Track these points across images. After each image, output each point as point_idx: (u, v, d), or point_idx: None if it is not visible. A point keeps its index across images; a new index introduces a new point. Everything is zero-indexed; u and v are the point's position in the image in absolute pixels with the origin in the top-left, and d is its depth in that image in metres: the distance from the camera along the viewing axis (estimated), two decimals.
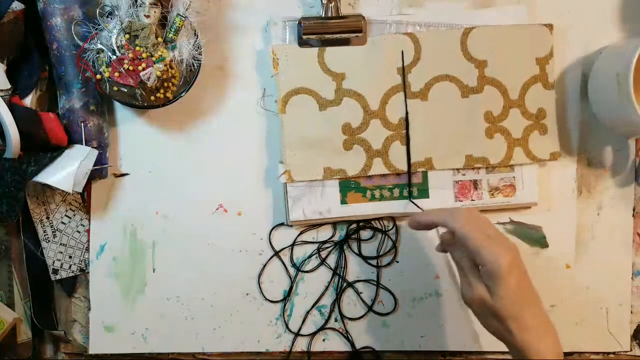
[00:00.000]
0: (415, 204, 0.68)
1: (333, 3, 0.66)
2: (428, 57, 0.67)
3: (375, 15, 0.68)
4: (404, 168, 0.68)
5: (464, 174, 0.69)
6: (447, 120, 0.68)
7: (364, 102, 0.67)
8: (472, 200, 0.69)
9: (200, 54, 0.64)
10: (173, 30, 0.62)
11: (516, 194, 0.69)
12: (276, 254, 0.70)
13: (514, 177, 0.69)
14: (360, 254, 0.71)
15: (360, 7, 0.69)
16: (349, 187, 0.68)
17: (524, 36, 0.68)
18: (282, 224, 0.70)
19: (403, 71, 0.67)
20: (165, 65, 0.62)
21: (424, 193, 0.69)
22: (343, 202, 0.68)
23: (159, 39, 0.62)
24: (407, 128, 0.68)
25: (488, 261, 0.53)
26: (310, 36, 0.66)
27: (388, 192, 0.69)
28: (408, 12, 0.69)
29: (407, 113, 0.68)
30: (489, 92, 0.68)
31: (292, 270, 0.70)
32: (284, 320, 0.70)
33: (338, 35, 0.66)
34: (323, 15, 0.66)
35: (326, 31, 0.66)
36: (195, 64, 0.64)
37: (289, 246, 0.70)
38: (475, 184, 0.69)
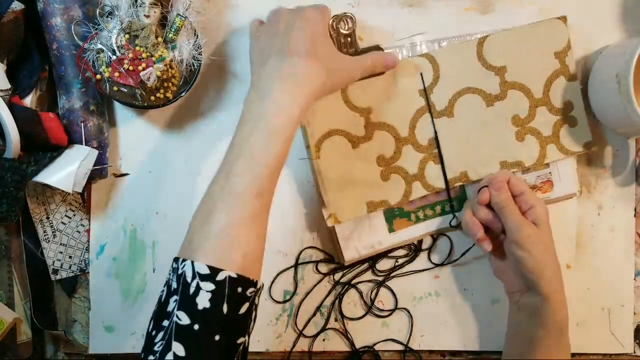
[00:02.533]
0: (456, 216, 0.69)
1: (350, 38, 0.66)
2: (447, 74, 0.67)
3: (387, 39, 0.69)
4: (442, 186, 0.68)
5: None
6: (476, 132, 0.68)
7: (394, 131, 0.67)
8: None
9: (200, 53, 0.64)
10: (173, 30, 0.62)
11: (554, 189, 0.70)
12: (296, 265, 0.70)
13: (550, 172, 0.70)
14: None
15: (359, 5, 0.69)
16: (393, 214, 0.69)
17: (538, 34, 0.68)
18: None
19: (425, 92, 0.67)
20: (165, 65, 0.62)
21: (464, 204, 0.69)
22: (390, 230, 0.69)
23: (159, 39, 0.62)
24: (438, 147, 0.68)
25: (538, 207, 0.64)
26: None
27: (430, 211, 0.69)
28: (409, 11, 0.69)
29: (435, 133, 0.68)
30: (513, 96, 0.68)
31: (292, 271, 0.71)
32: (294, 321, 0.70)
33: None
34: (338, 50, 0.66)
35: None
36: (195, 64, 0.64)
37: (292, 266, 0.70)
38: None
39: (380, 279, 0.71)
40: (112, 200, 0.69)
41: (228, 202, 0.51)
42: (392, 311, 0.71)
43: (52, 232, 0.68)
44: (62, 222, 0.69)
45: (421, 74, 0.67)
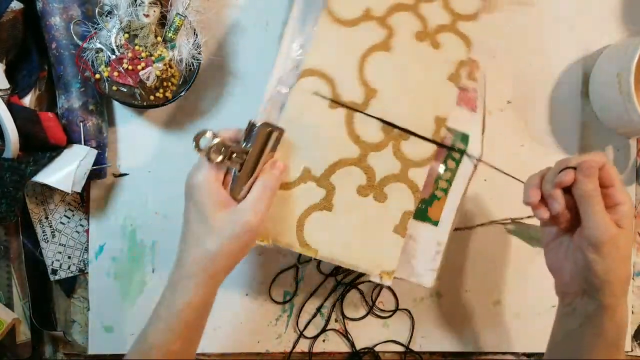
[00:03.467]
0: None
1: (235, 156, 0.54)
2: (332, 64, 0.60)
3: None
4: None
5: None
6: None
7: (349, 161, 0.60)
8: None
9: (199, 53, 0.64)
10: (172, 29, 0.62)
11: None
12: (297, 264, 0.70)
13: None
14: None
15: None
16: (421, 210, 0.61)
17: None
18: None
19: (335, 102, 0.59)
20: (165, 64, 0.62)
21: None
22: (435, 223, 0.62)
23: (159, 39, 0.62)
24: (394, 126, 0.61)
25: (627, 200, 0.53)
26: None
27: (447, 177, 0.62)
28: None
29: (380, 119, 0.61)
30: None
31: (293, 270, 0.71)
32: (295, 321, 0.70)
33: None
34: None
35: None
36: (194, 64, 0.64)
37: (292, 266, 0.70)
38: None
39: None
40: (111, 200, 0.69)
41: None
42: (393, 312, 0.71)
43: (51, 232, 0.68)
44: (61, 222, 0.68)
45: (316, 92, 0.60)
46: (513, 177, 0.63)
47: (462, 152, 0.61)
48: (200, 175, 0.53)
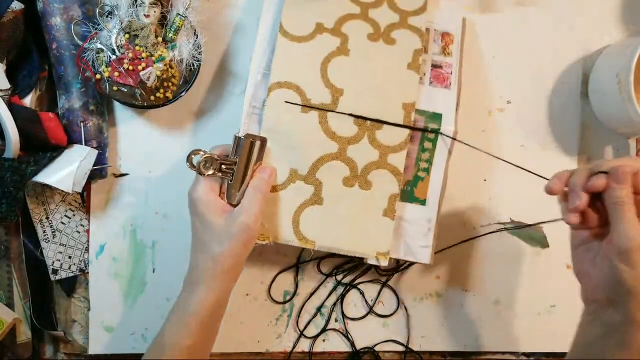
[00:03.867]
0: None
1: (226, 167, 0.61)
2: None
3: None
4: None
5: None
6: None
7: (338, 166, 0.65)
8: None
9: (200, 53, 0.64)
10: (173, 29, 0.62)
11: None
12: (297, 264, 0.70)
13: None
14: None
15: None
16: (407, 190, 0.66)
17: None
18: None
19: (307, 106, 0.64)
20: (165, 64, 0.62)
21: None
22: (423, 202, 0.66)
23: (159, 39, 0.62)
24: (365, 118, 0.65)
25: None
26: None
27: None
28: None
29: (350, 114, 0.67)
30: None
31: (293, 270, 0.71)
32: (296, 321, 0.70)
33: None
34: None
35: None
36: (195, 64, 0.64)
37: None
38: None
39: (383, 279, 0.71)
40: (111, 200, 0.69)
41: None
42: (393, 312, 0.71)
43: (52, 232, 0.68)
44: (62, 222, 0.68)
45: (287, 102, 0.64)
46: (491, 154, 0.66)
47: (437, 132, 0.65)
48: (198, 190, 0.59)
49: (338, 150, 0.64)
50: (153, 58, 0.61)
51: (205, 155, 0.59)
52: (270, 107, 0.63)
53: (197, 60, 0.64)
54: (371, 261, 0.64)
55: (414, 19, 0.66)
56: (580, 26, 0.71)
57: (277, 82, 0.63)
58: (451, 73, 0.67)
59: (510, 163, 0.65)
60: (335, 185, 0.64)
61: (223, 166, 0.60)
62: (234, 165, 0.60)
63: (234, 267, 0.59)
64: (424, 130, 0.65)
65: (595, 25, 0.71)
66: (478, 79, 0.71)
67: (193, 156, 0.59)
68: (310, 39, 0.64)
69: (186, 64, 0.64)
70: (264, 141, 0.62)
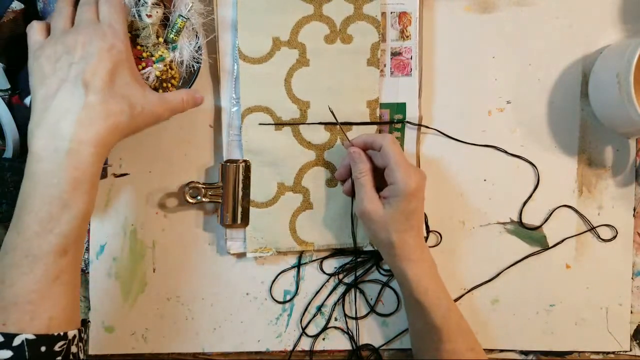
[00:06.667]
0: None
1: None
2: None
3: None
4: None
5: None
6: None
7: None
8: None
9: (200, 55, 0.64)
10: (174, 31, 0.62)
11: None
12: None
13: None
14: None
15: None
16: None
17: None
18: None
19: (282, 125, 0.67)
20: (165, 65, 0.62)
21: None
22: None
23: (160, 39, 0.62)
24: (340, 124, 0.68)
25: (401, 179, 0.59)
26: None
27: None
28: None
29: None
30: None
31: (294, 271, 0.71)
32: (300, 320, 0.71)
33: None
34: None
35: None
36: (195, 65, 0.64)
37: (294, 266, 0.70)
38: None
39: (384, 279, 0.71)
40: (112, 200, 0.69)
41: (24, 267, 0.47)
42: (393, 311, 0.71)
43: None
44: None
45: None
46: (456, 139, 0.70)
47: (402, 121, 0.69)
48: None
49: (316, 157, 0.68)
50: (153, 58, 0.61)
51: (191, 185, 0.66)
52: (246, 132, 0.67)
53: (197, 62, 0.64)
54: (367, 248, 0.69)
55: (369, 7, 0.67)
56: (580, 26, 0.71)
57: (248, 108, 0.67)
58: (411, 58, 0.69)
59: (473, 144, 0.65)
60: (321, 188, 0.69)
61: (209, 192, 0.66)
62: (220, 190, 0.66)
63: (115, 139, 0.53)
64: (391, 123, 0.69)
65: (595, 25, 0.71)
66: (478, 79, 0.71)
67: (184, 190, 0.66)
68: (270, 58, 0.67)
69: (186, 66, 0.63)
70: (247, 163, 0.67)
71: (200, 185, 0.66)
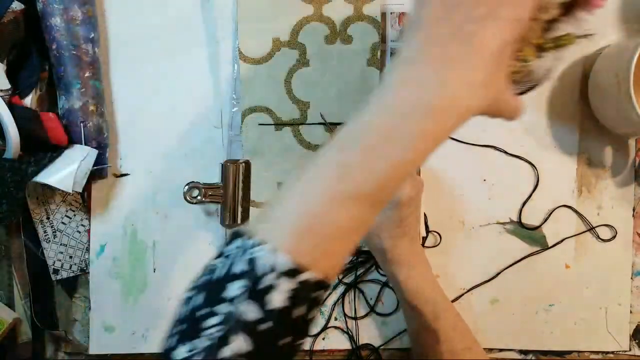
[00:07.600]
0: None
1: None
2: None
3: None
4: None
5: None
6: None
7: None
8: None
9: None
10: (556, 43, 0.48)
11: None
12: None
13: None
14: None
15: None
16: None
17: None
18: None
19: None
20: (524, 68, 0.45)
21: None
22: None
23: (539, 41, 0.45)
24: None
25: None
26: None
27: None
28: None
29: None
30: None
31: None
32: None
33: None
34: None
35: None
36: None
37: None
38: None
39: (384, 279, 0.71)
40: (112, 200, 0.69)
41: (333, 207, 0.39)
42: (393, 311, 0.71)
43: (53, 232, 0.68)
44: (63, 222, 0.68)
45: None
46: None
47: None
48: None
49: None
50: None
51: (191, 185, 0.65)
52: (246, 132, 0.68)
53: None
54: (366, 248, 0.68)
55: (368, 8, 0.67)
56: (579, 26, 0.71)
57: (249, 108, 0.68)
58: None
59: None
60: None
61: (209, 192, 0.65)
62: (220, 190, 0.65)
63: (475, 112, 0.41)
64: None
65: (595, 25, 0.71)
66: None
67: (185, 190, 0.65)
68: (270, 58, 0.67)
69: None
70: (247, 163, 0.66)
71: (200, 185, 0.66)
